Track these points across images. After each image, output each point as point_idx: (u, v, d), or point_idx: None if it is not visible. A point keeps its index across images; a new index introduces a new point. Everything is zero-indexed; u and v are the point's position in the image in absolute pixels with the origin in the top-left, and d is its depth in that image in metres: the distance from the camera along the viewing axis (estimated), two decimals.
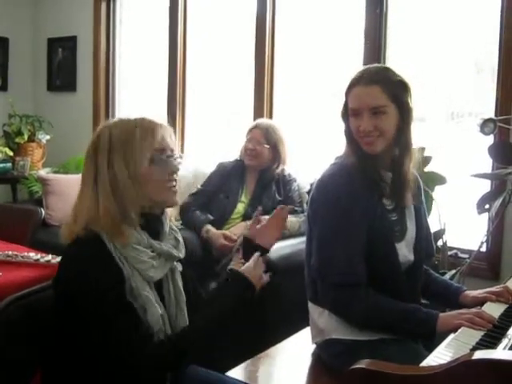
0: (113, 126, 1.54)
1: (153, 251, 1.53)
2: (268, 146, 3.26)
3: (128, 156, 1.48)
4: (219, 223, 3.22)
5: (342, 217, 1.79)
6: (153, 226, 1.56)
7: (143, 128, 1.51)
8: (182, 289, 1.62)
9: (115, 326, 1.41)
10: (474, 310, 1.70)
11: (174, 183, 1.56)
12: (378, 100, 1.79)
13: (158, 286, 1.56)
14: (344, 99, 1.87)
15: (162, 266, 1.55)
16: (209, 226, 3.16)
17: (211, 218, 3.21)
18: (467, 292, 1.92)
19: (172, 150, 1.56)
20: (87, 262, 1.44)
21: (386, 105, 1.79)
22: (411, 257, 1.91)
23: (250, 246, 1.77)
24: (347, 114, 1.86)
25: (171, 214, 1.67)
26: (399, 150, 1.86)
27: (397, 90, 1.81)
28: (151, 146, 1.50)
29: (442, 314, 1.71)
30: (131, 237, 1.48)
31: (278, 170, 3.30)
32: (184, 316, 1.60)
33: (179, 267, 1.64)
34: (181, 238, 1.65)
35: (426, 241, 1.99)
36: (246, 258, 1.71)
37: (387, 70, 1.88)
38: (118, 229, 1.46)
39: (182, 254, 1.62)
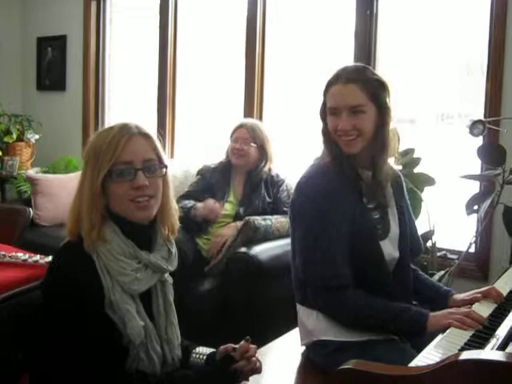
0: (93, 137, 1.55)
1: (139, 262, 1.50)
2: (255, 145, 3.27)
3: (94, 171, 1.47)
4: (208, 223, 3.21)
5: (320, 218, 1.78)
6: (139, 235, 1.53)
7: (110, 141, 1.47)
8: (172, 301, 1.61)
9: (82, 337, 1.40)
10: (463, 309, 1.70)
11: (141, 198, 1.48)
12: (356, 99, 1.78)
13: (147, 298, 1.55)
14: (322, 98, 1.87)
15: (148, 278, 1.52)
16: (193, 203, 3.20)
17: (193, 202, 3.23)
18: (456, 295, 1.92)
19: (147, 161, 1.50)
20: (68, 267, 1.44)
21: (365, 104, 1.79)
22: (396, 254, 1.91)
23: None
24: (325, 113, 1.86)
25: (171, 225, 1.61)
26: (376, 150, 1.85)
27: (375, 89, 1.80)
28: (112, 159, 1.46)
29: (432, 314, 1.71)
30: (113, 241, 1.48)
31: (266, 169, 3.31)
32: (174, 328, 1.59)
33: (170, 280, 1.61)
34: (175, 250, 1.62)
35: (411, 237, 1.99)
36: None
37: (365, 68, 1.88)
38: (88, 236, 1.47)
39: (172, 267, 1.59)
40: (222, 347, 1.64)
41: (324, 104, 1.87)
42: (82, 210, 1.48)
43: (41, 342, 1.49)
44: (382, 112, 1.81)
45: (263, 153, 3.30)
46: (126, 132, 1.49)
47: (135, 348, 1.46)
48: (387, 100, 1.82)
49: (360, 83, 1.78)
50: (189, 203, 3.22)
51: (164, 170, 1.54)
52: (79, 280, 1.41)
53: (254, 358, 1.59)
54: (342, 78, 1.80)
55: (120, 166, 1.47)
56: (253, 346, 1.60)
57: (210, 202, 3.17)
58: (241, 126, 3.33)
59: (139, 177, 1.48)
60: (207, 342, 1.72)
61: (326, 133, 1.88)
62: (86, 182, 1.48)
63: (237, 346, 1.61)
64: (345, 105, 1.78)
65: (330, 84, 1.83)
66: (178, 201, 3.29)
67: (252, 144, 3.26)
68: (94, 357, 1.40)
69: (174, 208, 1.62)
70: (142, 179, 1.48)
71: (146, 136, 1.53)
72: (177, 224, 1.63)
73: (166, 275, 1.60)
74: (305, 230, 1.83)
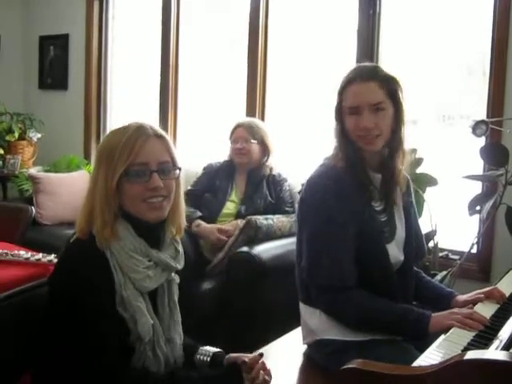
0: (108, 136, 1.55)
1: (150, 260, 1.51)
2: (255, 141, 3.28)
3: (108, 170, 1.47)
4: (208, 222, 3.21)
5: (328, 219, 1.78)
6: (150, 234, 1.53)
7: (126, 141, 1.47)
8: (176, 301, 1.62)
9: (91, 333, 1.40)
10: (465, 310, 1.70)
11: (154, 199, 1.49)
12: (377, 96, 1.79)
13: (153, 296, 1.55)
14: (337, 98, 1.86)
15: (158, 276, 1.53)
16: (199, 221, 3.17)
17: (200, 214, 3.21)
18: (458, 296, 1.92)
19: (161, 163, 1.50)
20: (81, 262, 1.44)
21: (384, 101, 1.79)
22: (401, 257, 1.91)
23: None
24: (341, 113, 1.85)
25: (179, 225, 1.62)
26: (391, 149, 1.85)
27: (392, 86, 1.81)
28: (127, 160, 1.46)
29: (434, 315, 1.71)
30: (125, 239, 1.48)
31: (268, 163, 3.32)
32: (178, 327, 1.60)
33: (177, 279, 1.63)
34: (181, 250, 1.63)
35: (416, 240, 1.98)
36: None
37: (378, 67, 1.89)
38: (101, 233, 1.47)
39: (180, 266, 1.60)
40: (233, 355, 1.62)
41: (339, 104, 1.85)
42: (94, 208, 1.48)
43: (46, 336, 1.48)
44: (399, 109, 1.82)
45: (265, 148, 3.32)
46: (142, 133, 1.49)
47: (142, 345, 1.47)
48: (401, 97, 1.83)
49: (378, 81, 1.79)
50: (193, 213, 3.20)
51: (177, 171, 1.55)
52: (90, 275, 1.41)
53: (262, 372, 1.56)
54: (360, 76, 1.80)
55: (135, 166, 1.47)
56: (261, 361, 1.57)
57: (217, 234, 3.12)
58: (238, 126, 3.34)
59: (154, 178, 1.48)
60: (208, 342, 1.72)
61: (341, 133, 1.85)
62: (100, 181, 1.48)
63: (247, 358, 1.56)
64: (366, 102, 1.78)
65: (346, 83, 1.82)
66: None
67: (252, 141, 3.27)
68: (98, 353, 1.40)
69: (183, 208, 1.63)
70: (156, 180, 1.48)
71: (161, 138, 1.54)
72: (184, 224, 1.64)
73: (173, 274, 1.61)
74: (313, 230, 1.82)
